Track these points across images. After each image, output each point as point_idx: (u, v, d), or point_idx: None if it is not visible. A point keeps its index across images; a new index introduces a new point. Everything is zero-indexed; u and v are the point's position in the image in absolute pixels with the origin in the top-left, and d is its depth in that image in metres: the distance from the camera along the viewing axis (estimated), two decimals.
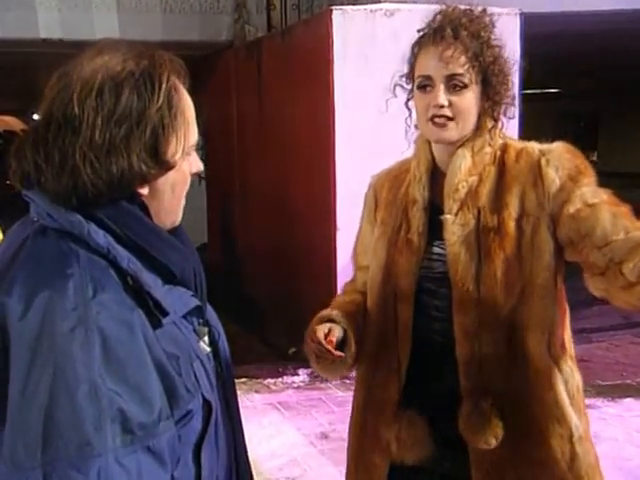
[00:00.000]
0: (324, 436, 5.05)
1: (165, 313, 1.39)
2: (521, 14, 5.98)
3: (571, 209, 2.14)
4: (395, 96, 2.36)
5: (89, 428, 1.23)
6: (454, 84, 2.16)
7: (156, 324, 1.38)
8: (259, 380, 5.98)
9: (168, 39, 8.08)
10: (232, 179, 8.47)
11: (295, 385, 5.96)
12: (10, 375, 1.26)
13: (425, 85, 2.19)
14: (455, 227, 2.21)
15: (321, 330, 2.20)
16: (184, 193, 1.53)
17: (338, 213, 6.13)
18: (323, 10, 6.65)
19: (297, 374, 6.07)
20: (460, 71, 2.15)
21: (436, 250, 2.24)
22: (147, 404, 1.31)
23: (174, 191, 1.49)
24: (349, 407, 5.87)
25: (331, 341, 2.16)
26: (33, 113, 22.20)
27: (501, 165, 2.27)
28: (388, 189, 2.42)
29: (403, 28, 5.95)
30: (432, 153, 2.30)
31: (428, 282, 2.24)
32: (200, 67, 8.73)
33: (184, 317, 1.47)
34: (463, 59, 2.15)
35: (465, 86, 2.16)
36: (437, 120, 2.17)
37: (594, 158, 26.83)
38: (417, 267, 2.24)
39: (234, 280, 8.37)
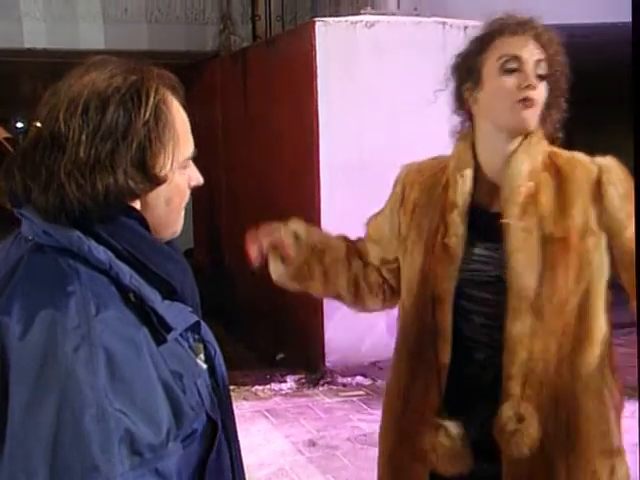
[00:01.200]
0: (312, 443, 5.07)
1: (170, 329, 1.37)
2: None
3: (630, 234, 2.12)
4: (445, 88, 2.29)
5: (96, 452, 1.21)
6: (540, 73, 2.11)
7: (160, 341, 1.35)
8: (247, 387, 5.98)
9: (153, 49, 8.11)
10: (219, 186, 8.49)
11: (283, 392, 5.98)
12: (10, 397, 1.23)
13: (511, 68, 2.11)
14: (518, 233, 2.15)
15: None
16: (182, 206, 1.50)
17: (322, 217, 6.18)
18: (306, 21, 6.77)
19: (285, 381, 6.10)
20: (543, 58, 2.12)
21: (483, 252, 2.19)
22: (155, 424, 1.29)
23: (169, 205, 1.46)
24: (336, 413, 5.68)
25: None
26: (17, 121, 22.12)
27: (557, 173, 2.21)
28: (420, 190, 2.32)
29: (383, 39, 6.20)
30: (475, 156, 2.22)
31: (470, 286, 2.19)
32: (186, 76, 8.45)
33: (180, 334, 1.44)
34: (544, 52, 2.12)
35: (545, 77, 2.13)
36: (529, 103, 2.10)
37: None
38: (456, 272, 2.18)
39: (220, 287, 8.35)
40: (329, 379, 6.30)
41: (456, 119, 2.29)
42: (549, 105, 2.17)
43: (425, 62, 6.14)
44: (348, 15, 6.57)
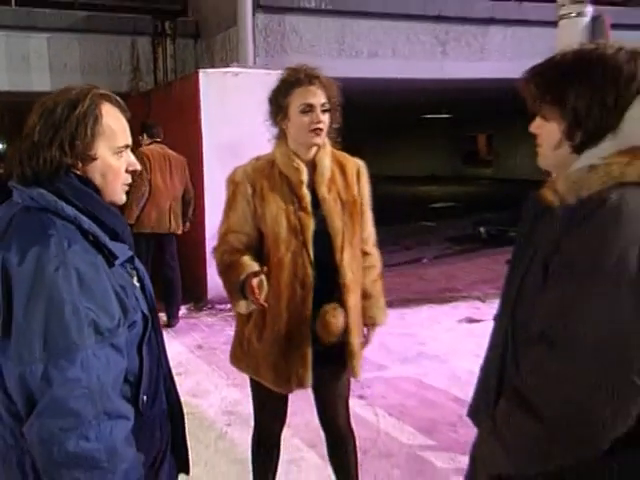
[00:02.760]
0: (199, 347, 5.19)
1: (116, 258, 1.40)
2: None
3: (366, 205, 2.42)
4: (271, 122, 2.32)
5: (74, 333, 1.25)
6: (324, 109, 2.23)
7: (110, 265, 1.38)
8: None
9: None
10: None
11: (179, 315, 6.00)
12: (14, 303, 1.25)
13: (307, 110, 2.21)
14: (330, 202, 2.29)
15: (256, 286, 2.07)
16: (117, 183, 1.46)
17: (205, 186, 6.27)
18: (192, 72, 6.68)
19: (180, 308, 6.09)
20: (325, 101, 2.24)
21: (317, 214, 2.28)
22: (110, 316, 1.32)
23: (105, 179, 1.43)
24: (215, 327, 5.81)
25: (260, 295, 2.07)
26: None
27: (339, 164, 2.37)
28: (265, 181, 2.30)
29: (244, 84, 6.24)
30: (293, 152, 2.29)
31: (314, 235, 2.27)
32: None
33: (121, 264, 1.45)
34: (326, 94, 2.24)
35: (329, 110, 2.25)
36: (318, 132, 2.23)
37: None
38: (313, 224, 2.26)
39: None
40: (210, 306, 6.35)
41: (274, 130, 2.34)
42: (331, 123, 2.29)
43: None
44: (221, 67, 6.62)
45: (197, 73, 6.19)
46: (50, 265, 1.25)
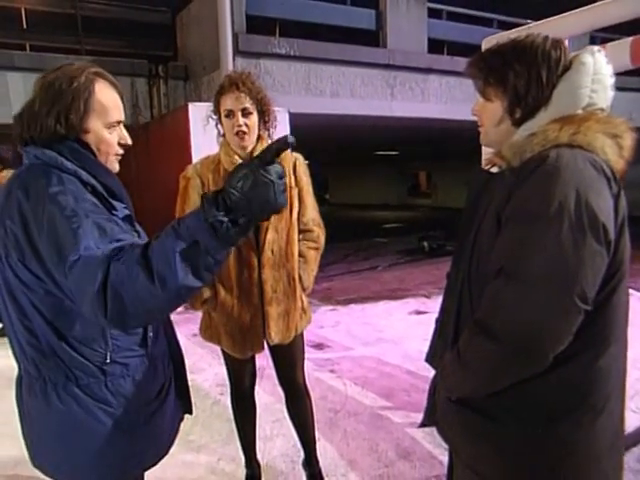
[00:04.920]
0: (194, 335, 4.94)
1: (114, 208, 1.33)
2: (289, 112, 6.16)
3: (305, 193, 2.30)
4: (213, 119, 2.24)
5: (78, 232, 1.16)
6: (246, 112, 2.12)
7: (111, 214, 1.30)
8: None
9: None
10: (133, 201, 7.87)
11: (177, 311, 5.94)
12: (28, 223, 1.20)
13: (229, 115, 2.13)
14: None
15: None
16: (110, 153, 1.38)
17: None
18: (183, 105, 6.60)
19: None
20: (248, 105, 2.12)
21: None
22: (114, 223, 1.24)
23: (99, 148, 1.36)
24: None
25: None
26: None
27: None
28: (212, 175, 2.25)
29: None
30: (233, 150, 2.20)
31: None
32: None
33: (122, 220, 1.37)
34: (248, 99, 2.12)
35: (251, 113, 2.13)
36: (239, 134, 2.13)
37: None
38: None
39: None
40: None
41: (218, 133, 2.26)
42: (266, 120, 2.18)
43: None
44: (206, 102, 6.32)
45: (187, 106, 6.11)
46: (52, 191, 1.20)
